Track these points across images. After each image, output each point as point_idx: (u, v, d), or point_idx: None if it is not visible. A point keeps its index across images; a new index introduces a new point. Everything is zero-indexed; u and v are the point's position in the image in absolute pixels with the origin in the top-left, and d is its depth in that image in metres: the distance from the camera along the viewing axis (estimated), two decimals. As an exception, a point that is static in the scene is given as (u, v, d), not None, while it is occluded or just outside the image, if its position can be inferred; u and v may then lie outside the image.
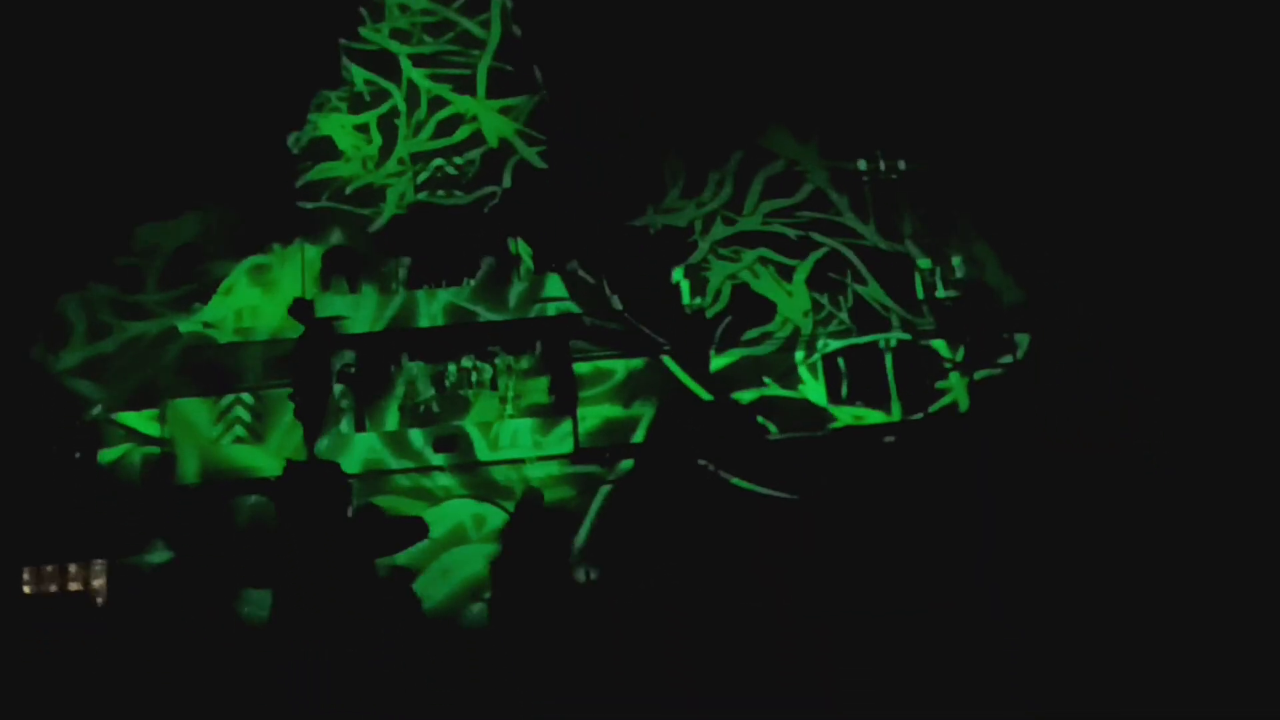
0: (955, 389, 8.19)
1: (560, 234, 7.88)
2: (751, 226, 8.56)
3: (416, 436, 7.33)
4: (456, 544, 7.30)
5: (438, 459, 7.29)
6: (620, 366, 7.52)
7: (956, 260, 8.38)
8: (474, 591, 7.21)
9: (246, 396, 7.18)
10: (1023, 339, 8.19)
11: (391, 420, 7.59)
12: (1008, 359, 8.14)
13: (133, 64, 8.20)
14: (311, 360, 6.28)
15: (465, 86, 7.99)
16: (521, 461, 7.37)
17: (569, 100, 8.24)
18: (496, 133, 7.95)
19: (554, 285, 7.60)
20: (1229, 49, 8.13)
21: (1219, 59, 8.24)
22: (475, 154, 7.91)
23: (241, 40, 8.06)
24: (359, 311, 7.45)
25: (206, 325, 7.44)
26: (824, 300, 8.36)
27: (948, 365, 8.24)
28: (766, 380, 8.08)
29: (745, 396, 8.01)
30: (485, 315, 7.52)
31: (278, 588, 5.89)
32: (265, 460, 7.10)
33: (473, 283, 7.64)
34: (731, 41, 9.00)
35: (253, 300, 7.51)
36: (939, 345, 8.24)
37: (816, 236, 8.55)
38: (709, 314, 8.18)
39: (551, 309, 7.55)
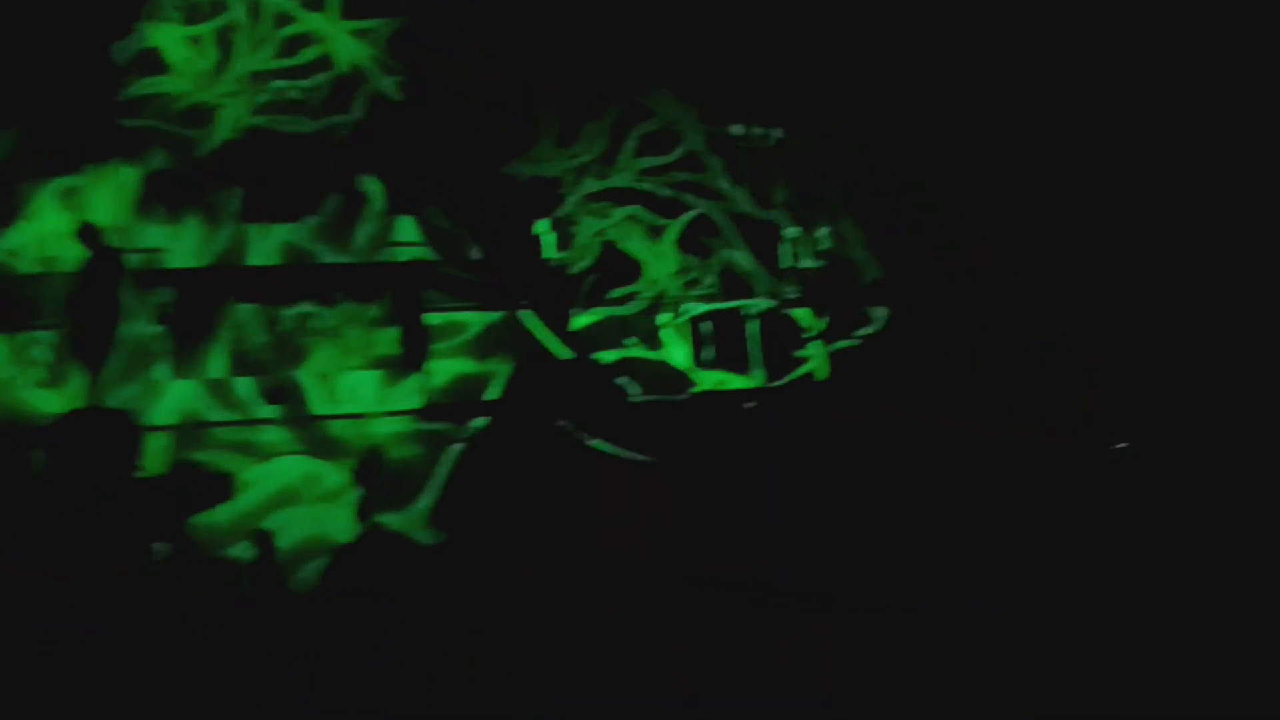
0: (815, 358, 8.17)
1: (417, 174, 7.29)
2: (624, 183, 8.24)
3: (243, 386, 6.63)
4: (286, 504, 6.67)
5: (267, 411, 6.62)
6: (476, 320, 7.06)
7: (822, 232, 8.34)
8: (305, 555, 6.61)
9: (47, 334, 6.27)
10: (880, 312, 8.25)
11: (215, 367, 6.84)
12: (866, 331, 8.19)
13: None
14: (97, 293, 5.43)
15: (315, 2, 7.22)
16: (364, 416, 6.81)
17: (434, 28, 7.60)
18: (349, 57, 7.24)
19: (407, 229, 7.03)
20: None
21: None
22: (324, 78, 7.18)
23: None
24: (180, 244, 6.65)
25: (8, 253, 6.45)
26: (692, 263, 8.15)
27: (809, 334, 8.21)
28: (629, 341, 7.82)
29: (607, 357, 7.71)
30: (327, 257, 6.89)
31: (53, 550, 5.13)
32: (63, 404, 6.22)
33: (315, 220, 6.96)
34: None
35: (60, 226, 6.57)
36: (802, 314, 8.20)
37: (688, 198, 8.32)
38: (574, 270, 7.82)
39: (403, 254, 6.99)
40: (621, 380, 7.74)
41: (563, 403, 7.44)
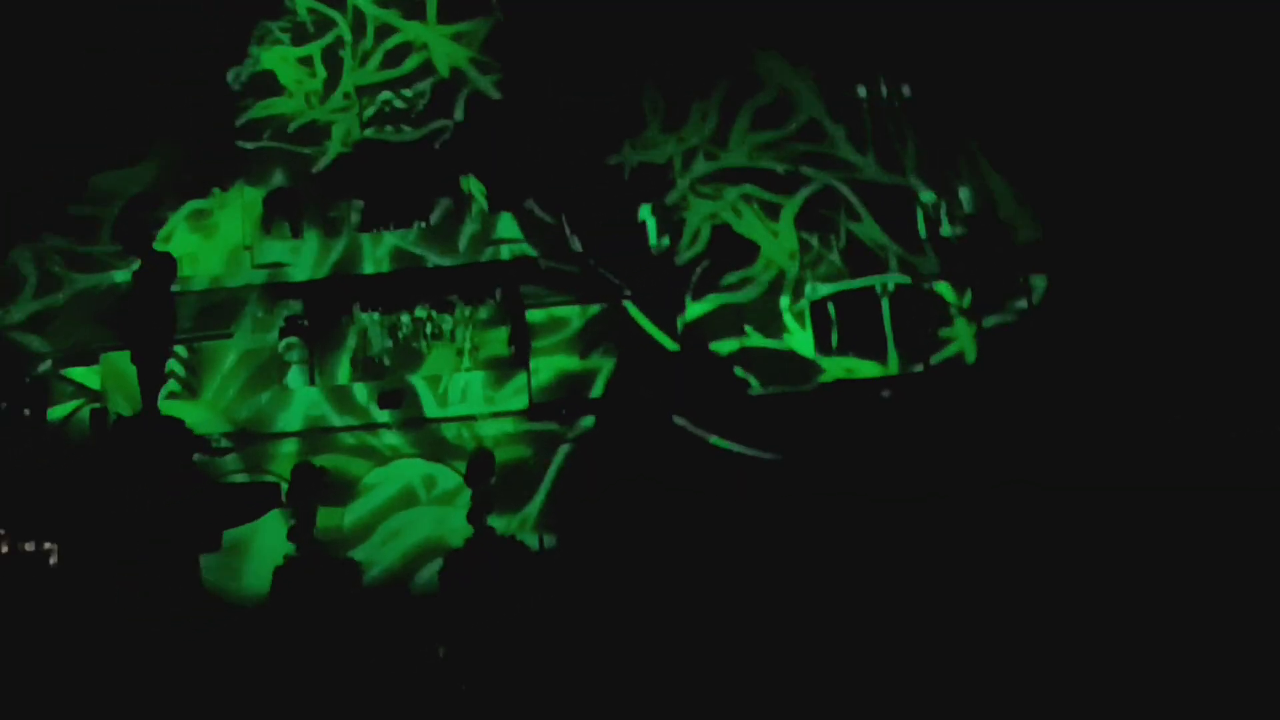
0: (961, 337, 7.49)
1: (519, 170, 7.34)
2: (736, 162, 7.92)
3: (361, 391, 6.94)
4: (405, 506, 6.92)
5: (383, 415, 6.89)
6: (576, 314, 6.99)
7: (964, 193, 7.63)
8: (424, 556, 6.83)
9: (180, 349, 6.85)
10: (1039, 281, 7.42)
11: (341, 374, 7.21)
12: (1022, 304, 7.39)
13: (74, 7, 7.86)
14: (149, 299, 5.76)
15: (414, 11, 7.46)
16: (473, 419, 6.93)
17: (530, 23, 7.63)
18: (448, 61, 7.42)
19: (507, 225, 7.09)
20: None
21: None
22: (425, 85, 7.40)
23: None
24: (300, 257, 7.07)
25: (142, 274, 7.12)
26: (813, 240, 7.69)
27: (953, 311, 7.52)
28: (748, 329, 7.49)
29: (724, 347, 7.43)
30: (434, 260, 7.08)
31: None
32: (200, 415, 6.78)
33: (423, 225, 7.18)
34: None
35: (191, 247, 7.16)
36: (943, 289, 7.53)
37: (808, 170, 7.86)
38: (686, 257, 7.60)
39: (505, 251, 7.05)
40: (740, 372, 7.43)
41: (678, 398, 7.24)
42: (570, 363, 6.87)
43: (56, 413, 7.30)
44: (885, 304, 7.59)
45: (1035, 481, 6.51)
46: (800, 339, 7.58)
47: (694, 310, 7.48)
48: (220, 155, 7.35)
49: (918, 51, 7.98)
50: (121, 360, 6.95)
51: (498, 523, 6.76)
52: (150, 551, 6.25)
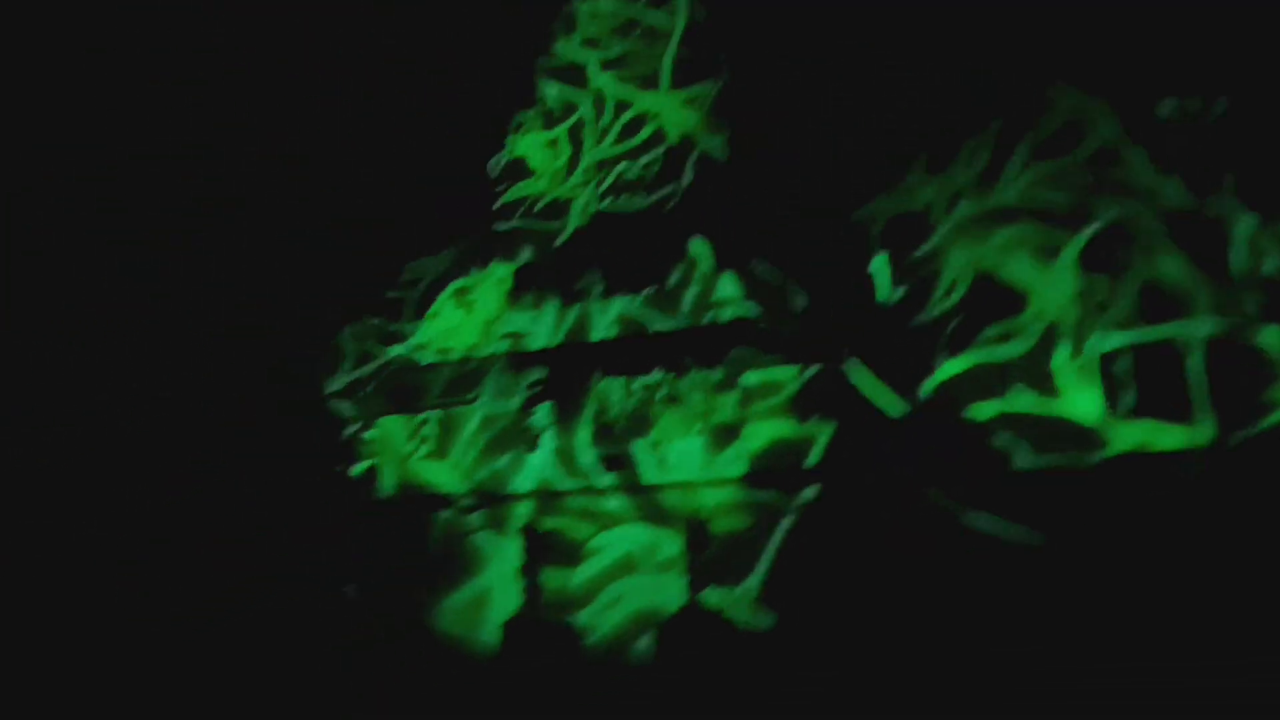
0: (1299, 399, 6.35)
1: (747, 230, 7.70)
2: (1008, 200, 7.55)
3: (587, 455, 7.62)
4: (625, 573, 7.41)
5: (606, 479, 7.49)
6: (792, 375, 7.05)
7: (1297, 217, 6.53)
8: (643, 625, 7.24)
9: (436, 413, 8.11)
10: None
11: (579, 438, 8.00)
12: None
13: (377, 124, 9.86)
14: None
15: (650, 83, 8.25)
16: (692, 484, 7.27)
17: (763, 79, 8.07)
18: (678, 128, 8.06)
19: (728, 285, 7.43)
20: None
21: None
22: (658, 152, 8.09)
23: (455, 76, 9.28)
24: (539, 327, 8.03)
25: (415, 348, 8.58)
26: (1100, 283, 7.03)
27: (1288, 366, 6.41)
28: (1012, 390, 7.01)
29: (981, 412, 7.02)
30: (656, 324, 7.62)
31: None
32: (446, 475, 7.93)
33: (650, 290, 7.79)
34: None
35: (454, 322, 8.48)
36: (1271, 336, 6.46)
37: (1097, 202, 7.27)
38: (938, 310, 7.36)
39: (726, 313, 7.39)
40: (1003, 440, 6.96)
41: (920, 467, 6.97)
42: (786, 428, 6.96)
43: (356, 470, 8.94)
44: (1195, 358, 6.67)
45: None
46: (1080, 402, 6.90)
47: (946, 369, 7.19)
48: (480, 237, 8.69)
49: (1239, 55, 7.11)
50: (390, 425, 8.42)
51: (714, 595, 6.97)
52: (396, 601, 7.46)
